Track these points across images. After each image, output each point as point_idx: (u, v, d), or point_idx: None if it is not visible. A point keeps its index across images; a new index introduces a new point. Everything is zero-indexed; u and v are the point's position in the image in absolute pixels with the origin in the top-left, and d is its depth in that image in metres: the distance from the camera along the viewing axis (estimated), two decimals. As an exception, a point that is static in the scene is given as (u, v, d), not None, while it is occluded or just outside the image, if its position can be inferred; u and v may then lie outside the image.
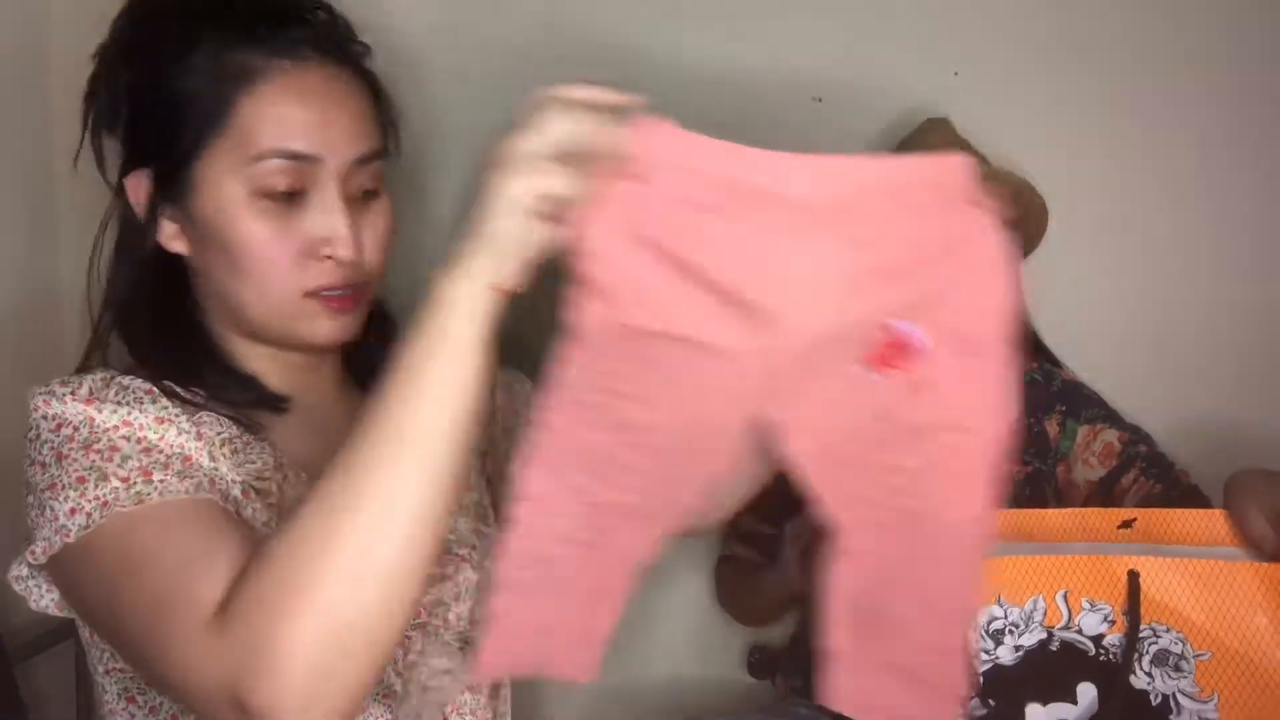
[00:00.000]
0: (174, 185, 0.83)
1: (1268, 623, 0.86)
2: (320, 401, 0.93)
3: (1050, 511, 1.03)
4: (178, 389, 0.83)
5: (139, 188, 0.85)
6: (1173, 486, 1.23)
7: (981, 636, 0.86)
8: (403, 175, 0.99)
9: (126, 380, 0.81)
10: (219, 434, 0.82)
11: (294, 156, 0.81)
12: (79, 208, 1.42)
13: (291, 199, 0.82)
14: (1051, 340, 1.36)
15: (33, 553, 0.75)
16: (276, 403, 0.88)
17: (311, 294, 0.84)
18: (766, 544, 1.32)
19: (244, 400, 0.86)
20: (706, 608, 1.49)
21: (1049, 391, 1.30)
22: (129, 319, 0.88)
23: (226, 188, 0.81)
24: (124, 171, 0.86)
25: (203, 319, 0.89)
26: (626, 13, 1.43)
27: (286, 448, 0.87)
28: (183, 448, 0.78)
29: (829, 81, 1.43)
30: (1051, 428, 1.29)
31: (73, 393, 0.78)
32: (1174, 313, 1.41)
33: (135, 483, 0.73)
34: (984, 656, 0.85)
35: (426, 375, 0.65)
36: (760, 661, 1.45)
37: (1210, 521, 0.98)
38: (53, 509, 0.73)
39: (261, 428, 0.86)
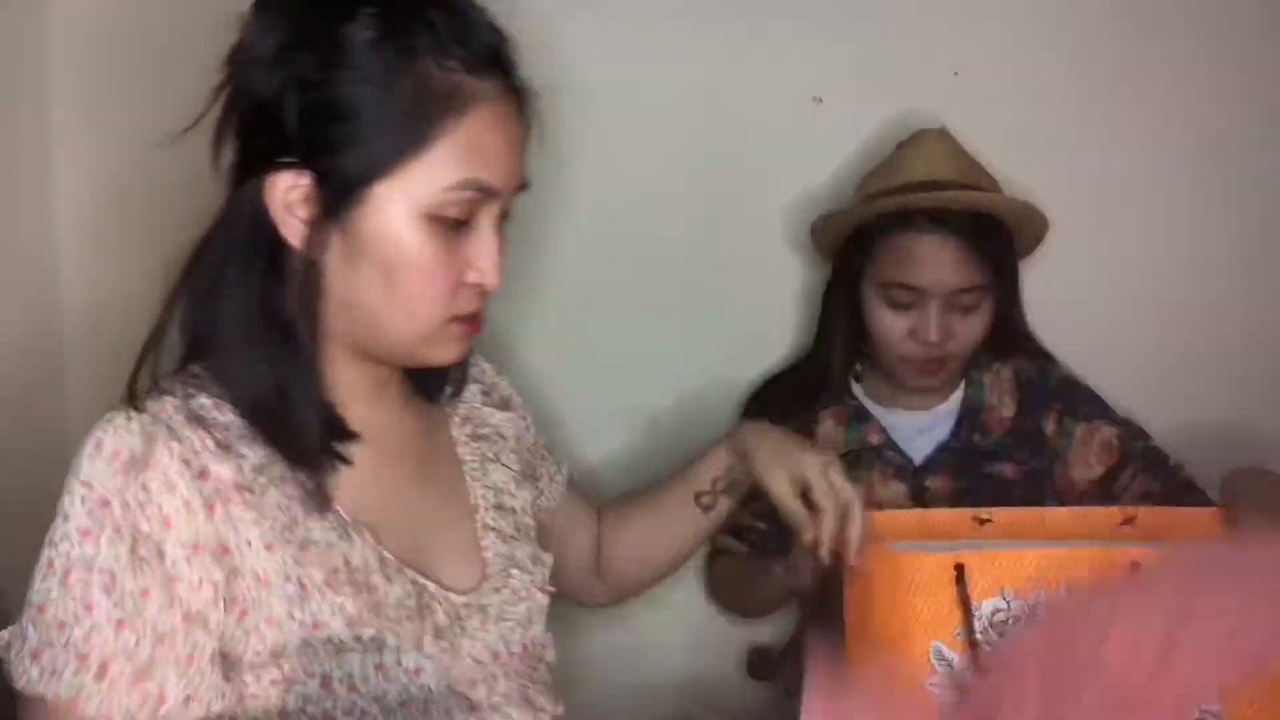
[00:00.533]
0: (343, 195, 0.77)
1: (1268, 616, 0.86)
2: (388, 420, 0.89)
3: (1051, 510, 1.05)
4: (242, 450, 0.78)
5: (286, 188, 0.77)
6: (1170, 481, 1.24)
7: (985, 629, 0.86)
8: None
9: (189, 436, 0.75)
10: (273, 521, 0.77)
11: (483, 189, 0.79)
12: (79, 208, 1.45)
13: (457, 225, 0.79)
14: (1048, 339, 1.36)
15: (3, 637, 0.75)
16: (344, 444, 0.83)
17: (454, 319, 0.82)
18: (759, 538, 1.33)
19: (311, 443, 0.81)
20: (706, 609, 1.49)
21: (1045, 389, 1.30)
22: (229, 328, 0.80)
23: (404, 207, 0.77)
24: (260, 168, 0.77)
25: (303, 328, 0.81)
26: (625, 13, 1.44)
27: (353, 489, 0.83)
28: (201, 618, 0.74)
29: (829, 81, 1.44)
30: (1048, 426, 1.29)
31: (114, 490, 0.73)
32: (1173, 312, 1.41)
33: (89, 669, 0.71)
34: (988, 649, 0.86)
35: None
36: (760, 662, 1.45)
37: (1208, 519, 1.01)
38: (33, 626, 0.73)
39: (326, 486, 0.80)
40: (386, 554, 0.82)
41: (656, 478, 1.12)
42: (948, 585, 0.86)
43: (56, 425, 1.43)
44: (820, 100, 1.44)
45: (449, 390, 0.97)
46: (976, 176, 1.27)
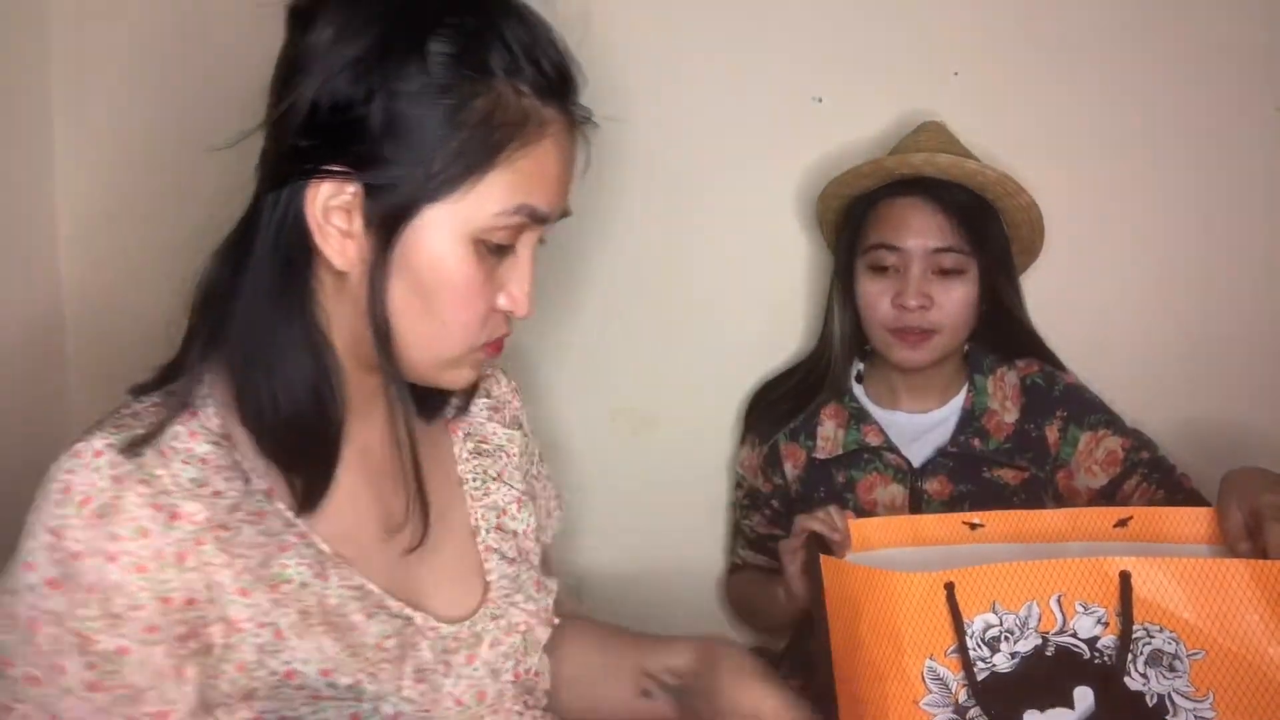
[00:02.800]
0: (392, 210, 0.73)
1: (1260, 620, 0.86)
2: (375, 435, 0.85)
3: (1046, 512, 1.04)
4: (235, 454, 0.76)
5: (328, 195, 0.74)
6: (1175, 491, 1.24)
7: (977, 645, 0.87)
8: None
9: (159, 474, 0.71)
10: (246, 561, 0.74)
11: (535, 216, 0.77)
12: (80, 208, 1.45)
13: (500, 250, 0.77)
14: (1049, 339, 1.36)
15: None
16: (328, 475, 0.80)
17: (481, 344, 0.80)
18: (778, 550, 1.34)
19: (331, 454, 0.79)
20: (706, 610, 1.50)
21: (1050, 396, 1.30)
22: (245, 332, 0.76)
23: (453, 228, 0.74)
24: (304, 173, 0.74)
25: (320, 338, 0.78)
26: (623, 13, 1.44)
27: (334, 514, 0.80)
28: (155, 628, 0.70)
29: (829, 81, 1.44)
30: (1051, 433, 1.29)
31: (84, 499, 0.69)
32: (1173, 312, 1.41)
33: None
34: (980, 665, 0.87)
35: None
36: (760, 662, 1.46)
37: (1202, 519, 0.99)
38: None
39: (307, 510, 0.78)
40: (369, 586, 0.79)
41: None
42: (939, 604, 0.86)
43: (58, 424, 1.43)
44: (820, 100, 1.44)
45: (454, 406, 0.94)
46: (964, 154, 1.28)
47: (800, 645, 1.36)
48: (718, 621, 1.50)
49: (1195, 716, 0.86)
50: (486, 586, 0.88)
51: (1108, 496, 1.27)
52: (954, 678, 0.87)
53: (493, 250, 0.77)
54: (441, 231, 0.74)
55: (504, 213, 0.75)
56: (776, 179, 1.46)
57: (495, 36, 0.74)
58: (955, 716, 0.87)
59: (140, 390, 0.79)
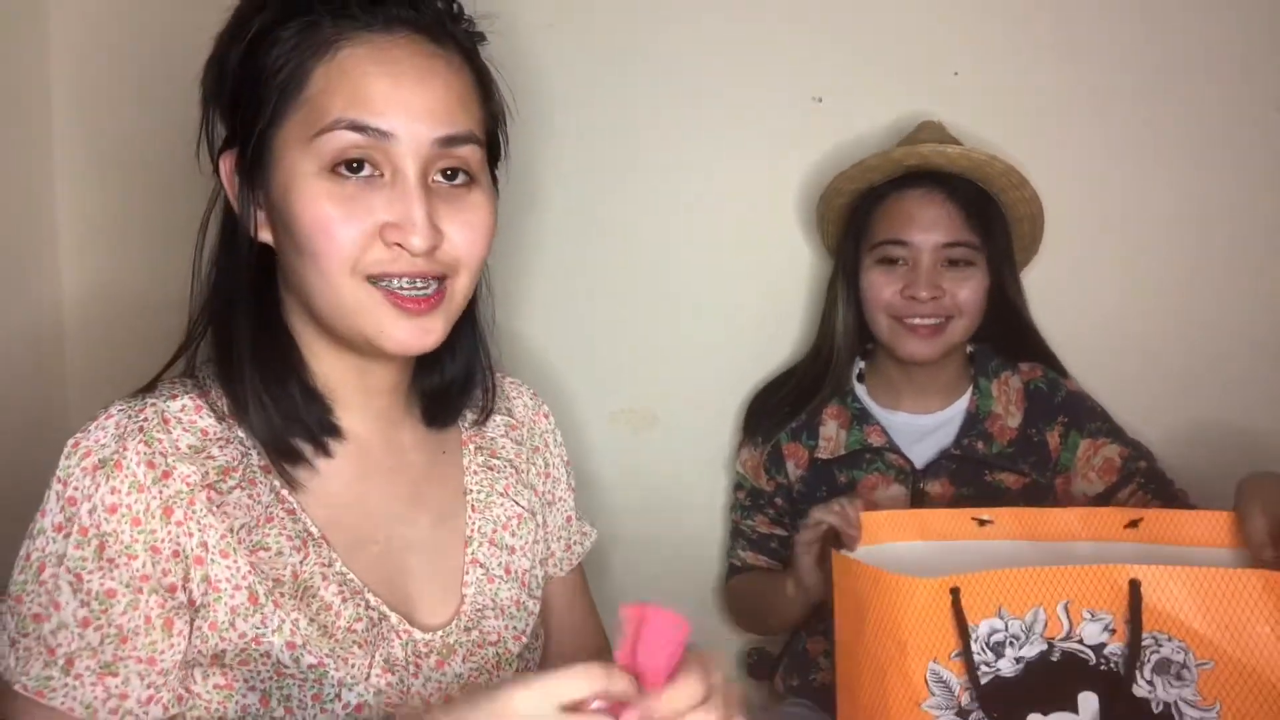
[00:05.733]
0: (255, 162, 0.78)
1: (1270, 631, 0.85)
2: (378, 434, 0.87)
3: (1055, 510, 1.02)
4: (233, 430, 0.80)
5: (227, 167, 0.81)
6: (1170, 503, 1.22)
7: (982, 649, 0.85)
8: (513, 182, 0.94)
9: (159, 438, 0.76)
10: (232, 523, 0.77)
11: (363, 129, 0.75)
12: (80, 208, 1.44)
13: (369, 181, 0.76)
14: (1049, 339, 1.35)
15: None
16: (330, 436, 0.83)
17: (375, 280, 0.76)
18: (779, 545, 1.32)
19: (303, 428, 0.81)
20: (705, 610, 1.49)
21: (1052, 402, 1.29)
22: (224, 320, 0.82)
23: (298, 162, 0.75)
24: (219, 152, 0.82)
25: (289, 321, 0.83)
26: (624, 12, 1.43)
27: (328, 501, 0.82)
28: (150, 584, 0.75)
29: (829, 81, 1.43)
30: (1053, 439, 1.28)
31: (96, 463, 0.75)
32: (1173, 312, 1.40)
33: (56, 663, 0.73)
34: (985, 669, 0.85)
35: None
36: (758, 662, 1.45)
37: (1217, 523, 0.98)
38: (11, 616, 0.75)
39: (300, 483, 0.81)
40: (350, 575, 0.80)
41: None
42: (944, 608, 0.85)
43: (58, 427, 1.43)
44: (820, 100, 1.43)
45: (471, 420, 0.95)
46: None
47: (799, 645, 1.34)
48: (716, 622, 1.49)
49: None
50: (462, 599, 0.87)
51: (1104, 503, 1.25)
52: (957, 681, 0.86)
53: (357, 178, 0.76)
54: (290, 165, 0.76)
55: (328, 128, 0.75)
56: (776, 179, 1.45)
57: None
58: (957, 719, 0.85)
59: (145, 391, 0.82)
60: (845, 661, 0.92)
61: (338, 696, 0.77)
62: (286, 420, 0.81)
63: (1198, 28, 1.35)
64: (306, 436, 0.82)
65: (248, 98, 0.78)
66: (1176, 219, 1.38)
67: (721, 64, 1.43)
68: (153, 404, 0.78)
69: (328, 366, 0.83)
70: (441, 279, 0.79)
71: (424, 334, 0.78)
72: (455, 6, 0.83)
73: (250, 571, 0.76)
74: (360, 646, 0.79)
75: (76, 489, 0.74)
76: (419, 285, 0.77)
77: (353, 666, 0.78)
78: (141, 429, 0.76)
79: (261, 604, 0.76)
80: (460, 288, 0.81)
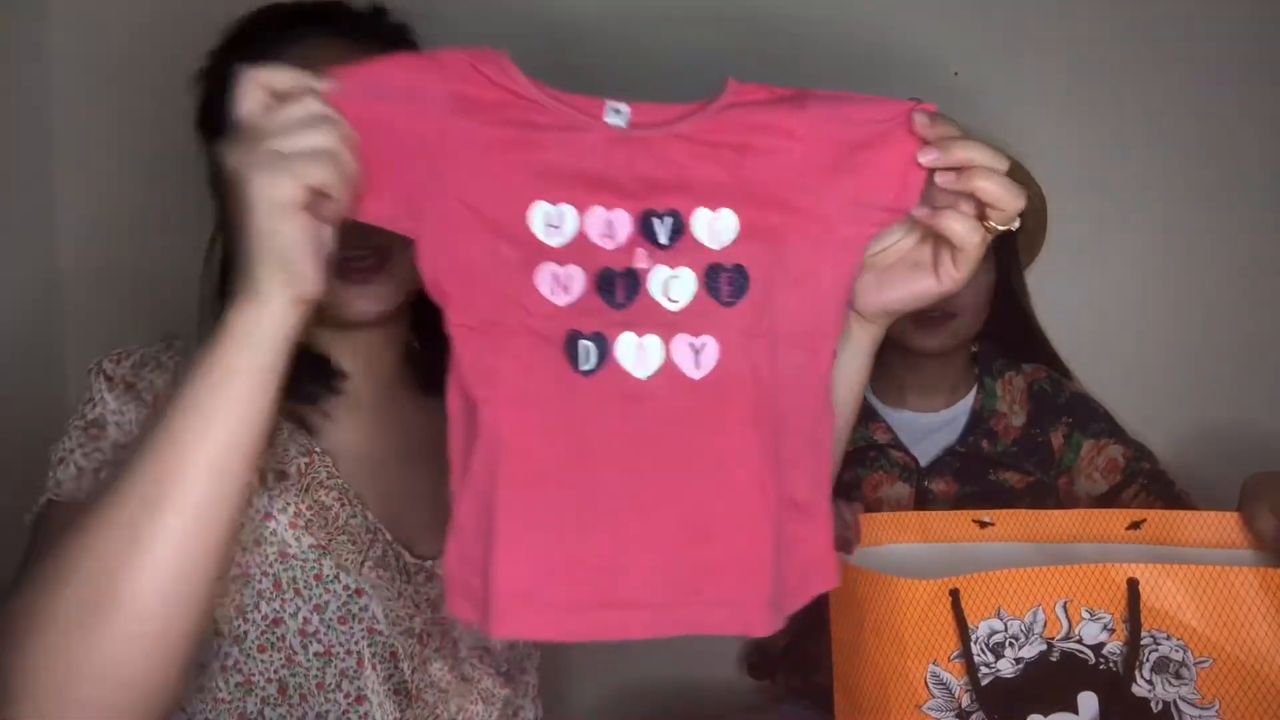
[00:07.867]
0: (213, 153, 0.86)
1: (1269, 629, 0.85)
2: (384, 394, 0.94)
3: (1057, 512, 1.02)
4: None
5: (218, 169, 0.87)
6: (1173, 505, 1.22)
7: (982, 650, 0.86)
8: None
9: (166, 359, 0.85)
10: None
11: None
12: (80, 208, 1.46)
13: None
14: (1056, 342, 1.36)
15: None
16: (332, 380, 0.90)
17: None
18: None
19: (307, 370, 0.86)
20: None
21: (1056, 403, 1.30)
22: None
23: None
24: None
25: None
26: (624, 13, 1.43)
27: (330, 436, 0.89)
28: None
29: (829, 81, 1.42)
30: (1056, 439, 1.29)
31: (110, 378, 0.84)
32: (1173, 313, 1.41)
33: (73, 464, 0.80)
34: (984, 670, 0.85)
35: (204, 412, 0.64)
36: (759, 662, 1.45)
37: (1222, 524, 0.97)
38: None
39: (306, 421, 0.88)
40: (350, 488, 0.86)
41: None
42: (944, 610, 0.85)
43: (56, 423, 1.42)
44: (820, 100, 1.43)
45: None
46: None
47: (800, 645, 1.35)
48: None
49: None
50: None
51: (1106, 504, 1.25)
52: (957, 683, 0.86)
53: None
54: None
55: None
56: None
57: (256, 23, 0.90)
58: (958, 722, 0.86)
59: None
60: (844, 664, 0.92)
61: (337, 578, 0.83)
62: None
63: (1198, 27, 1.35)
64: (311, 378, 0.87)
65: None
66: (1176, 218, 1.39)
67: (722, 64, 1.43)
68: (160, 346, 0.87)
69: (325, 341, 0.91)
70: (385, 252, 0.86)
71: (372, 302, 0.87)
72: (381, 11, 0.92)
73: (259, 458, 0.81)
74: (353, 542, 0.85)
75: (119, 375, 0.84)
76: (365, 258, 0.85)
77: (346, 559, 0.84)
78: (157, 356, 0.85)
79: (269, 486, 0.82)
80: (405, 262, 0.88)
